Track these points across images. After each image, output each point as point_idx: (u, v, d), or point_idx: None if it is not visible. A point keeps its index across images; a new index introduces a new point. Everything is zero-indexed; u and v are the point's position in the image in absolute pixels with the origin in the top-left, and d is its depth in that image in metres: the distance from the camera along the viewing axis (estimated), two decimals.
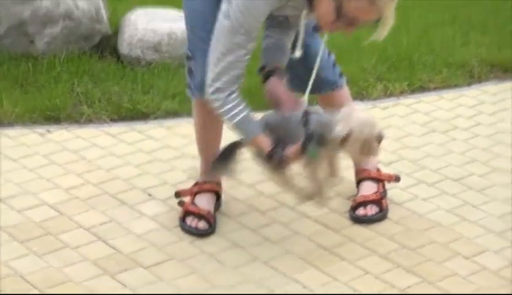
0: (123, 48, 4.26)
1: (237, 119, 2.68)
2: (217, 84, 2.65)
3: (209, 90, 2.68)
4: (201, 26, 2.82)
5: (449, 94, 4.18)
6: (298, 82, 2.91)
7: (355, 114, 2.63)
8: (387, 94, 4.12)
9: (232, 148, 2.84)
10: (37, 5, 4.19)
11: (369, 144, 2.61)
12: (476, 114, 3.97)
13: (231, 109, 2.68)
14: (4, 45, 4.18)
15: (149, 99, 3.86)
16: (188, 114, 3.72)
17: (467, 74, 4.39)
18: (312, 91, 2.98)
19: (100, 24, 4.35)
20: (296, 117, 2.71)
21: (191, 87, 2.95)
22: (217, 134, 3.03)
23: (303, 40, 2.80)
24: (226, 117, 2.70)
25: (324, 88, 3.02)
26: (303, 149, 2.66)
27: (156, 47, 4.23)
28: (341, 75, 3.07)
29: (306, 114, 2.70)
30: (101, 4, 4.37)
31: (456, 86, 4.28)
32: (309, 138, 2.65)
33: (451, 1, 5.59)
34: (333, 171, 2.78)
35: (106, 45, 4.36)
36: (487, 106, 4.06)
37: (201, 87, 2.85)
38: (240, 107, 2.68)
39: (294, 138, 2.69)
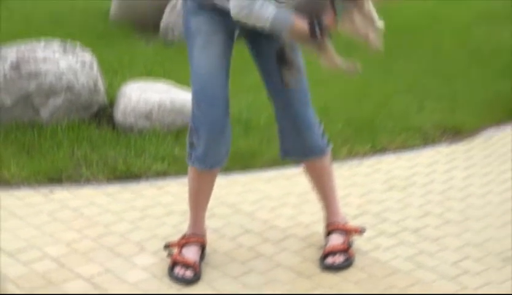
0: (118, 117, 4.29)
1: (269, 22, 2.60)
2: (236, 9, 2.58)
3: (233, 18, 2.61)
4: (209, 102, 2.76)
5: (406, 155, 4.23)
6: (290, 150, 2.95)
7: None
8: (352, 155, 4.15)
9: (282, 53, 2.72)
10: (42, 80, 4.24)
11: None
12: (431, 172, 4.02)
13: (258, 18, 2.60)
14: (13, 115, 4.21)
15: (141, 162, 3.89)
16: (176, 174, 3.75)
17: (422, 137, 4.44)
18: (301, 157, 2.99)
19: (98, 96, 4.39)
20: None
21: (192, 157, 2.87)
22: (208, 196, 3.02)
23: None
24: (259, 26, 2.62)
25: (314, 153, 2.98)
26: (334, 11, 2.56)
27: (147, 116, 4.25)
28: (328, 143, 3.02)
29: None
30: (99, 78, 4.41)
31: (413, 147, 4.32)
32: None
33: (408, 71, 5.65)
34: (369, 20, 2.63)
35: (103, 114, 4.39)
36: (440, 165, 4.11)
37: (201, 159, 2.84)
38: (266, 11, 2.59)
39: (324, 6, 2.58)
